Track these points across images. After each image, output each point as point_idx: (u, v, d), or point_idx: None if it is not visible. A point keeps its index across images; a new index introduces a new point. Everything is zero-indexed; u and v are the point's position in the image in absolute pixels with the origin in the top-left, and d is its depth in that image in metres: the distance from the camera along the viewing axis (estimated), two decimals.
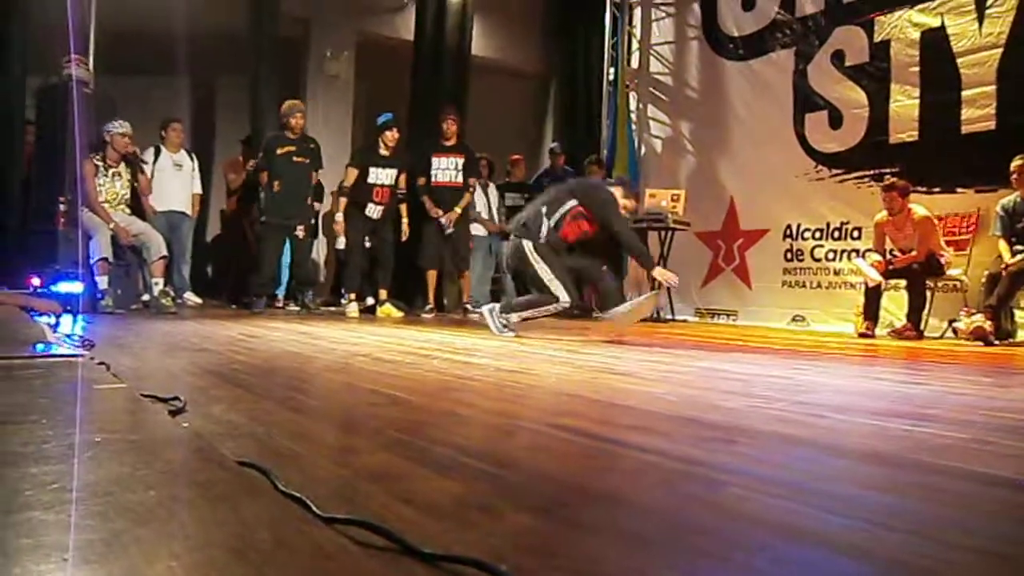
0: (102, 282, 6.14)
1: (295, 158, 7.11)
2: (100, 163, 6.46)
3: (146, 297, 6.62)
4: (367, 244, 7.42)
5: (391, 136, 7.21)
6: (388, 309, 7.27)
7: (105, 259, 6.16)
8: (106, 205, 6.40)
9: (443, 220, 7.39)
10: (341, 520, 0.92)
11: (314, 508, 0.96)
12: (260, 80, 7.96)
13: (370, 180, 7.19)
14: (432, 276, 7.63)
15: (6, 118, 6.51)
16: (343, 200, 7.20)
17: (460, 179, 7.52)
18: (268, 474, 1.12)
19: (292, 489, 1.04)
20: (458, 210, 7.43)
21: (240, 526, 0.92)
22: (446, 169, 7.51)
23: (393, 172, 7.26)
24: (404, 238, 7.45)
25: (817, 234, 7.54)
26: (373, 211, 7.23)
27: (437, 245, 7.51)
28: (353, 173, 7.21)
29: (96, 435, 1.39)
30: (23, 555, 0.79)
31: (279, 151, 7.08)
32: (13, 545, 0.82)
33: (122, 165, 6.59)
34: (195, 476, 1.17)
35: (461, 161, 7.52)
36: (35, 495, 1.00)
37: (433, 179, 7.49)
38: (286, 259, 7.50)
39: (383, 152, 7.23)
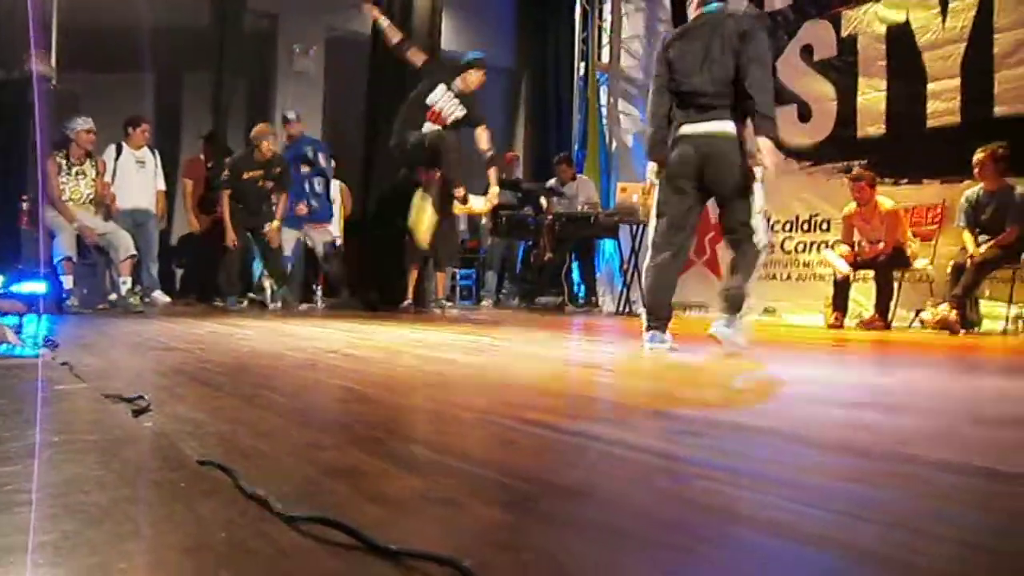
0: (67, 281, 6.02)
1: (260, 183, 7.10)
2: (63, 161, 6.33)
3: (113, 296, 6.50)
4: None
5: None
6: None
7: (69, 258, 6.04)
8: (70, 204, 6.28)
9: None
10: (302, 518, 0.90)
11: (275, 506, 0.94)
12: (223, 76, 7.84)
13: None
14: (414, 272, 7.62)
15: None
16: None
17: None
18: (230, 472, 1.09)
19: (254, 487, 1.01)
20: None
21: (196, 526, 0.89)
22: None
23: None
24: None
25: (787, 226, 7.59)
26: None
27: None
28: None
29: (54, 436, 1.36)
30: None
31: (245, 175, 7.04)
32: None
33: (87, 163, 6.47)
34: (154, 476, 1.14)
35: None
36: None
37: None
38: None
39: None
